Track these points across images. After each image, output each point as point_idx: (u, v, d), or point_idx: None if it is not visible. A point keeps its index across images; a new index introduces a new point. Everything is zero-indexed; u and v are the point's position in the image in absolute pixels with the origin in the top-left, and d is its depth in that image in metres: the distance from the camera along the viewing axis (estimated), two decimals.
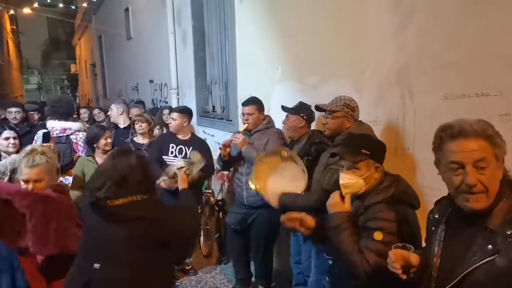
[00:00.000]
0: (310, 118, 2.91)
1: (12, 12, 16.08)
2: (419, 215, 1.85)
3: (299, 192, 2.53)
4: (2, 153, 2.96)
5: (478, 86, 1.98)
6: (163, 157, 3.56)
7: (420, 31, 2.26)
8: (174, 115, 3.60)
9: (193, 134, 3.80)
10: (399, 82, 2.40)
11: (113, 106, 4.80)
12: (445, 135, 1.30)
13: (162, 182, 2.89)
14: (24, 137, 3.90)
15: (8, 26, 18.43)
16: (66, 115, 3.93)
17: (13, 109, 4.68)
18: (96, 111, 6.40)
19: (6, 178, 2.79)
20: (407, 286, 1.43)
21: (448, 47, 2.10)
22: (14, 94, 17.54)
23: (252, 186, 2.75)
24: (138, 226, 1.86)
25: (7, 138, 2.97)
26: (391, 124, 2.47)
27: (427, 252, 1.39)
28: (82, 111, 6.99)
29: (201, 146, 3.57)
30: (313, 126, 3.02)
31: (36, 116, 5.72)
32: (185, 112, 3.67)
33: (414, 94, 2.32)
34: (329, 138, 2.47)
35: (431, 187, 2.17)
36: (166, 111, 4.94)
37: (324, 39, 3.03)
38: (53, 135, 3.70)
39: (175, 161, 3.42)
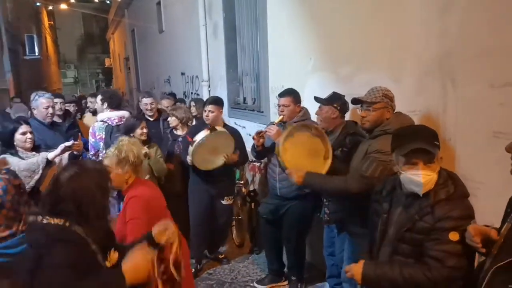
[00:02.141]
0: (343, 109, 2.86)
1: (50, 8, 16.68)
2: None
3: (323, 172, 2.49)
4: (19, 149, 2.95)
5: None
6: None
7: (463, 16, 2.15)
8: (211, 107, 3.57)
9: (225, 124, 3.83)
10: (440, 70, 2.30)
11: (151, 100, 4.72)
12: None
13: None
14: (69, 131, 4.09)
15: (46, 22, 19.15)
16: (119, 105, 4.21)
17: (58, 100, 4.91)
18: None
19: (37, 176, 2.81)
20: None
21: (494, 32, 1.99)
22: (52, 87, 18.25)
23: (277, 156, 2.70)
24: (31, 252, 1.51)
25: (24, 133, 2.95)
26: (431, 114, 2.39)
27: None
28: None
29: (234, 133, 3.63)
30: (347, 117, 2.97)
31: (72, 109, 5.79)
32: (220, 102, 3.70)
33: (457, 82, 2.22)
34: (368, 131, 2.39)
35: (473, 179, 2.09)
36: (192, 103, 4.98)
37: (359, 27, 2.95)
38: (112, 125, 3.89)
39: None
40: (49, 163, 2.92)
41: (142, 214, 2.20)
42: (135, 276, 1.53)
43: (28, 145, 3.00)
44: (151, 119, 4.45)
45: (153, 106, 4.50)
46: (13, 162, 2.83)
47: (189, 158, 3.44)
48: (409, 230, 1.74)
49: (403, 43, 2.57)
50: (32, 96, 3.85)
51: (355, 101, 2.40)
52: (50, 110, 3.72)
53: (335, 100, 2.84)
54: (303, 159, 2.55)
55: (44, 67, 17.03)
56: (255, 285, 3.59)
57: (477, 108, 2.12)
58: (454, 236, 1.61)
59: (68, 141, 3.22)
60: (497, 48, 1.99)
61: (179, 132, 4.03)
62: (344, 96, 2.86)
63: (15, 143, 2.95)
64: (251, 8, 4.79)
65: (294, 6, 3.81)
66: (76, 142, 3.16)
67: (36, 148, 3.11)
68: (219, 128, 3.48)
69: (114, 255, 1.64)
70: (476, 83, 2.11)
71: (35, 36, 13.12)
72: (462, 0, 2.15)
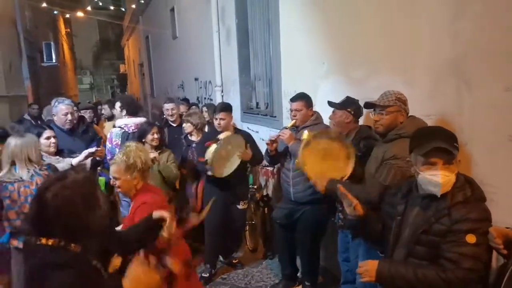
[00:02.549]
0: (357, 113, 2.85)
1: (67, 15, 17.04)
2: None
3: (345, 177, 2.47)
4: (43, 153, 3.04)
5: None
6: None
7: (478, 18, 2.13)
8: (222, 115, 3.58)
9: (235, 128, 3.85)
10: (455, 73, 2.28)
11: (173, 105, 4.76)
12: None
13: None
14: (83, 135, 4.17)
15: (63, 29, 19.57)
16: (137, 112, 4.31)
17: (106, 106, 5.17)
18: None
19: None
20: None
21: (509, 34, 1.97)
22: (69, 93, 18.59)
23: (298, 167, 2.70)
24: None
25: (48, 138, 3.07)
26: (445, 118, 2.36)
27: None
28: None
29: (244, 136, 3.66)
30: (360, 121, 2.95)
31: (88, 115, 5.75)
32: (229, 108, 3.71)
33: (472, 86, 2.19)
34: (382, 135, 2.37)
35: (491, 184, 2.06)
36: (204, 109, 5.00)
37: (372, 30, 2.94)
38: (129, 131, 3.98)
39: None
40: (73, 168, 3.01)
41: None
42: None
43: (52, 149, 3.13)
44: (174, 125, 4.49)
45: (174, 111, 4.57)
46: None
47: (210, 173, 3.49)
48: (425, 232, 1.73)
49: (417, 47, 2.55)
50: (52, 103, 3.96)
51: (368, 105, 2.39)
52: (69, 117, 3.80)
53: (349, 105, 2.83)
54: (325, 165, 2.54)
55: (61, 74, 17.38)
56: None
57: (493, 112, 2.08)
58: (471, 238, 1.60)
59: (89, 147, 3.30)
60: (511, 52, 1.96)
61: (193, 138, 4.07)
62: (358, 100, 2.85)
63: (39, 148, 3.03)
64: (263, 13, 4.82)
65: (306, 11, 3.82)
66: (98, 149, 3.24)
67: (59, 152, 3.20)
68: (223, 135, 3.49)
69: (116, 261, 1.62)
70: (491, 87, 2.08)
71: (52, 43, 13.42)
72: (476, 4, 2.13)
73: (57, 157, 3.15)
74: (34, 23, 12.80)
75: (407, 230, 1.81)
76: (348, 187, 2.37)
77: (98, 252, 1.50)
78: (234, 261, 4.06)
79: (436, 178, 1.67)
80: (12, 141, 2.76)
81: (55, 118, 3.83)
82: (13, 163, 2.74)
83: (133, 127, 4.01)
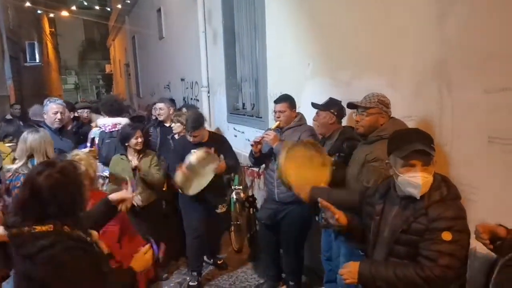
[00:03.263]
0: (340, 114, 2.88)
1: (51, 15, 16.78)
2: None
3: (324, 182, 2.49)
4: None
5: None
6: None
7: (459, 23, 2.18)
8: (196, 133, 3.45)
9: (210, 134, 3.70)
10: (436, 76, 2.32)
11: (163, 105, 4.64)
12: None
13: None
14: (74, 135, 4.14)
15: (47, 29, 19.25)
16: (120, 112, 4.33)
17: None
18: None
19: None
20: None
21: (489, 38, 2.02)
22: (53, 94, 18.29)
23: (281, 178, 2.67)
24: (25, 265, 1.51)
25: None
26: (427, 120, 2.40)
27: None
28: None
29: (219, 142, 3.61)
30: (344, 122, 2.98)
31: (85, 115, 5.50)
32: (201, 123, 3.53)
33: (453, 88, 2.24)
34: (362, 136, 2.40)
35: (471, 184, 2.11)
36: (184, 109, 4.94)
37: (357, 33, 2.98)
38: (105, 131, 4.03)
39: None
40: None
41: None
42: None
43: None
44: (167, 125, 4.45)
45: (162, 111, 4.52)
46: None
47: (182, 192, 3.47)
48: (404, 231, 1.76)
49: (400, 50, 2.59)
50: (44, 102, 3.95)
51: (350, 105, 2.44)
52: (59, 116, 3.76)
53: (332, 106, 2.86)
54: (306, 173, 2.56)
55: (45, 74, 17.09)
56: None
57: (472, 113, 2.13)
58: (447, 236, 1.63)
59: (80, 147, 3.29)
60: (491, 55, 2.01)
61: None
62: (341, 101, 2.88)
63: None
64: (250, 15, 4.83)
65: (292, 12, 3.85)
66: (92, 149, 3.22)
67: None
68: (194, 159, 3.32)
69: (94, 233, 1.75)
70: (471, 89, 2.13)
71: (36, 43, 13.19)
72: (458, 8, 2.18)
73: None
74: (18, 22, 12.58)
75: (387, 230, 1.83)
76: (331, 194, 2.39)
77: (84, 228, 1.66)
78: (218, 262, 4.04)
79: (416, 180, 1.70)
80: (30, 136, 2.82)
81: (45, 116, 3.80)
82: (30, 156, 2.78)
83: (110, 127, 4.04)
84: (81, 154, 2.59)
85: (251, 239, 4.27)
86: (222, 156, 3.55)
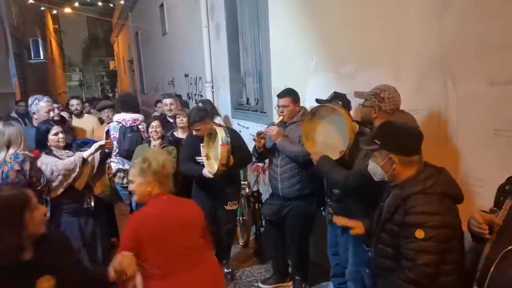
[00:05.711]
0: (346, 107, 2.86)
1: (54, 12, 16.81)
2: (464, 208, 1.79)
3: (337, 157, 2.53)
4: (53, 148, 3.08)
5: None
6: (196, 158, 3.51)
7: (462, 14, 2.15)
8: (199, 125, 3.42)
9: (219, 125, 3.63)
10: (441, 68, 2.30)
11: (172, 101, 4.69)
12: None
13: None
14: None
15: (51, 25, 19.30)
16: (134, 108, 4.44)
17: (74, 101, 5.15)
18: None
19: (74, 174, 2.97)
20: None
21: (492, 30, 1.99)
22: (58, 91, 18.39)
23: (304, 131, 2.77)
24: None
25: (56, 134, 3.07)
26: (432, 113, 2.39)
27: None
28: None
29: (234, 138, 3.48)
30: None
31: (105, 115, 5.17)
32: (206, 116, 3.51)
33: (458, 80, 2.22)
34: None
35: (476, 177, 2.09)
36: (200, 105, 4.94)
37: (360, 26, 2.96)
38: (126, 125, 4.18)
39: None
40: (84, 161, 3.06)
41: (127, 236, 2.09)
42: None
43: (62, 144, 3.13)
44: (172, 120, 4.46)
45: (173, 106, 4.55)
46: (51, 161, 2.95)
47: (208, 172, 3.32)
48: (387, 220, 1.81)
49: (404, 42, 2.57)
50: (30, 101, 3.80)
51: (357, 95, 2.50)
52: (51, 114, 3.73)
53: (337, 100, 2.84)
54: (334, 139, 2.63)
55: (49, 71, 17.15)
56: (260, 285, 3.60)
57: (478, 106, 2.11)
58: (419, 234, 1.64)
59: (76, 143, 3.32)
60: (496, 46, 1.99)
61: (180, 135, 4.02)
62: (345, 94, 2.86)
63: (48, 143, 3.08)
64: (253, 9, 4.81)
65: (295, 6, 3.82)
66: (107, 141, 3.26)
67: (68, 146, 3.28)
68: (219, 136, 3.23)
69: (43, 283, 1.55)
70: (475, 81, 2.11)
71: (40, 40, 13.23)
72: None
73: (67, 151, 3.17)
74: (21, 19, 12.61)
75: (382, 217, 1.89)
76: (333, 169, 2.49)
77: (7, 269, 1.46)
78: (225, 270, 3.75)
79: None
80: (7, 129, 2.83)
81: (35, 116, 3.70)
82: (8, 148, 2.80)
83: (130, 122, 4.19)
84: (153, 148, 2.45)
85: (256, 234, 4.28)
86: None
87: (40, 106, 3.70)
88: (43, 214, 1.61)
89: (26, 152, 2.84)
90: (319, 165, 2.57)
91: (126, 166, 4.03)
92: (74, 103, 5.14)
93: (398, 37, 2.61)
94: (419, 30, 2.44)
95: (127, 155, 4.04)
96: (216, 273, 2.33)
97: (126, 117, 4.21)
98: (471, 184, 2.12)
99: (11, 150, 2.78)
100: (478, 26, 2.07)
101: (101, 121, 5.31)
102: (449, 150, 2.26)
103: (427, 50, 2.39)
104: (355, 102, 2.83)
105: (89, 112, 6.57)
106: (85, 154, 3.05)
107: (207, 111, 3.71)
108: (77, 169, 2.98)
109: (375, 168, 1.88)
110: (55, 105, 4.79)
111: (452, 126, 2.26)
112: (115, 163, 4.19)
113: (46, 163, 2.92)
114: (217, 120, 4.68)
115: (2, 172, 2.72)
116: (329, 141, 2.67)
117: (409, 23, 2.51)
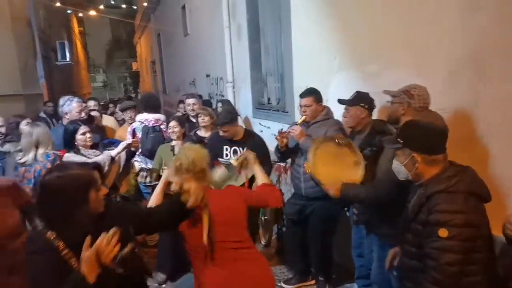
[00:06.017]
0: (371, 107, 2.81)
1: (80, 14, 17.26)
2: (492, 207, 1.74)
3: (357, 182, 2.47)
4: (81, 148, 3.15)
5: None
6: (219, 159, 3.45)
7: (493, 10, 2.09)
8: (226, 127, 3.36)
9: (246, 132, 3.61)
10: (471, 67, 2.24)
11: (195, 101, 4.71)
12: None
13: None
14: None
15: (76, 28, 19.83)
16: (156, 108, 4.52)
17: (92, 102, 5.28)
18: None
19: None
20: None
21: None
22: (83, 91, 18.85)
23: (308, 171, 2.67)
24: None
25: (84, 133, 3.16)
26: (461, 112, 2.32)
27: None
28: None
29: (256, 145, 3.38)
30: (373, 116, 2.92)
31: (128, 115, 5.06)
32: (235, 118, 3.48)
33: (487, 79, 2.15)
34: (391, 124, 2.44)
35: (509, 177, 2.03)
36: (219, 104, 4.96)
37: (386, 24, 2.90)
38: (149, 125, 4.25)
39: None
40: (112, 160, 3.15)
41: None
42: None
43: (89, 143, 3.22)
44: (194, 120, 4.50)
45: (196, 106, 4.61)
46: (79, 161, 3.01)
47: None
48: (413, 220, 1.78)
49: (431, 41, 2.51)
50: (62, 101, 3.93)
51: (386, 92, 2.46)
52: (83, 114, 3.88)
53: (361, 100, 2.79)
54: (337, 172, 2.55)
55: (75, 72, 17.63)
56: (282, 285, 3.58)
57: (509, 104, 2.04)
58: (442, 233, 1.61)
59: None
60: None
61: (203, 133, 4.04)
62: (368, 93, 2.82)
63: (76, 143, 3.16)
64: (274, 9, 4.80)
65: (318, 5, 3.79)
66: (134, 139, 3.34)
67: (95, 146, 3.36)
68: (234, 161, 2.87)
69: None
70: (506, 80, 2.04)
71: (66, 42, 13.62)
72: None
73: (94, 150, 3.25)
74: (48, 22, 13.00)
75: (407, 217, 1.86)
76: (357, 190, 2.45)
77: (77, 244, 1.48)
78: None
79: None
80: (35, 129, 2.93)
81: (67, 116, 3.83)
82: (37, 148, 2.88)
83: (152, 122, 4.24)
84: (188, 145, 2.41)
85: (278, 233, 4.27)
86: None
87: (72, 106, 3.85)
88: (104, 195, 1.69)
89: (56, 152, 2.92)
90: (346, 193, 2.49)
91: (149, 165, 4.11)
92: (92, 104, 5.23)
93: (425, 35, 2.55)
94: (447, 26, 2.38)
95: (150, 154, 4.10)
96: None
97: (148, 117, 4.28)
98: (502, 185, 2.05)
99: (41, 150, 2.87)
100: (508, 23, 2.01)
101: (120, 122, 5.40)
102: (480, 150, 2.20)
103: (456, 49, 2.33)
104: (378, 101, 2.78)
105: (113, 113, 6.71)
106: (113, 153, 3.14)
107: (236, 113, 3.72)
108: (106, 167, 3.05)
109: (399, 167, 1.86)
110: (91, 102, 4.98)
111: (483, 126, 2.20)
112: (138, 162, 4.26)
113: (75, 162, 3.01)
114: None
115: (34, 170, 2.81)
116: (334, 168, 2.58)
117: (437, 21, 2.45)
